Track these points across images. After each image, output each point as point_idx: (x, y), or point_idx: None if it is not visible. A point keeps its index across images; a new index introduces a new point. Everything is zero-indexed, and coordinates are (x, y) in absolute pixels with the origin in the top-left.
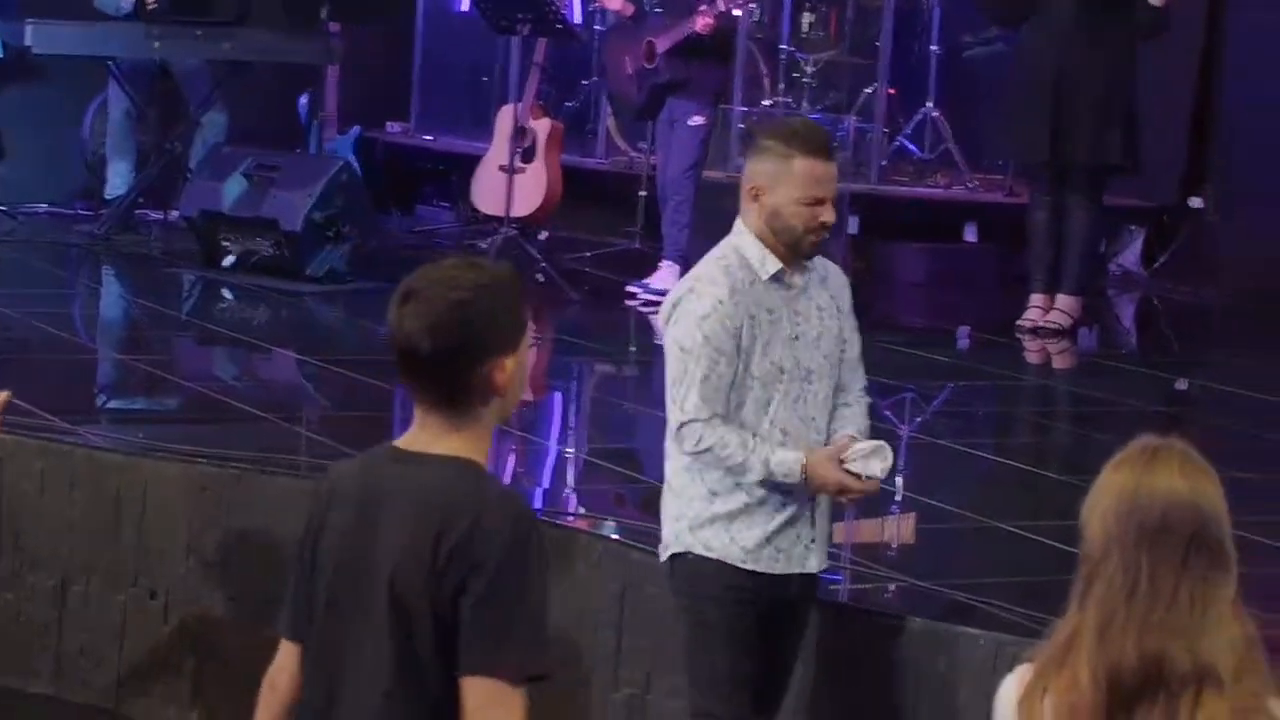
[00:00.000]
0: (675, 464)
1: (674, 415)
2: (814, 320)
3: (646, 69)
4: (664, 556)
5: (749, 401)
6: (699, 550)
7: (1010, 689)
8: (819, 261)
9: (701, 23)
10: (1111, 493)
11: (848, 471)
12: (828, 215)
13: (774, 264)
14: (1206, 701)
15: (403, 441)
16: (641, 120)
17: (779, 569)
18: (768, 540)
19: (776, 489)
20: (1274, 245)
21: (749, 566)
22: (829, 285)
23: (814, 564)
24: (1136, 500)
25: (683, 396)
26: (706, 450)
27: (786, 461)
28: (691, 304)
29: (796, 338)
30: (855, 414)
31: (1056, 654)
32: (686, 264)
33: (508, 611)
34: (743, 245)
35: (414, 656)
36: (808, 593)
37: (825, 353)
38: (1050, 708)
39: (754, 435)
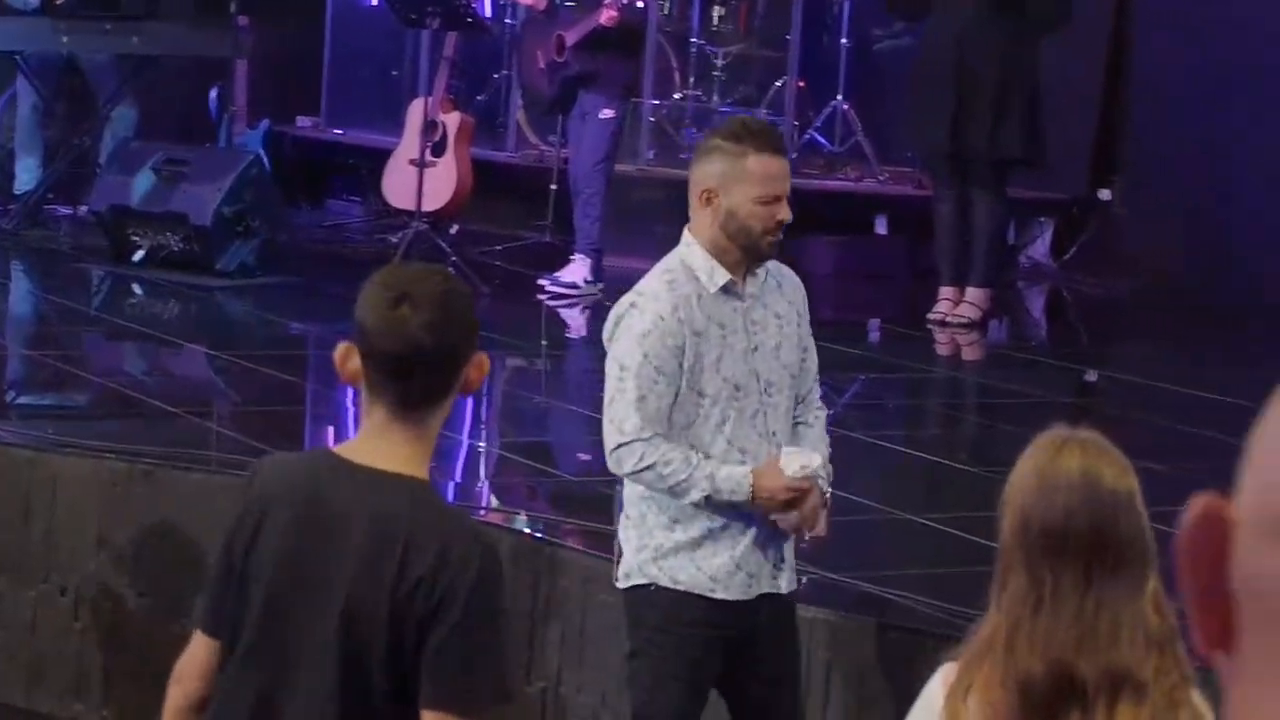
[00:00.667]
0: (631, 491)
1: (611, 437)
2: (772, 329)
3: (556, 62)
4: (623, 585)
5: (700, 420)
6: (664, 582)
7: (936, 687)
8: (772, 266)
9: (606, 15)
10: (1018, 488)
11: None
12: (784, 213)
13: (722, 275)
14: (1123, 710)
15: (350, 450)
16: (553, 114)
17: (751, 594)
18: (737, 566)
19: (737, 511)
20: (1181, 236)
21: (720, 595)
22: (785, 291)
23: (784, 584)
24: (1041, 495)
25: (621, 417)
26: (648, 468)
27: (734, 477)
28: (633, 320)
29: (755, 349)
30: (815, 434)
31: (978, 652)
32: (599, 257)
33: (477, 647)
34: (689, 257)
35: (364, 682)
36: (783, 615)
37: (785, 362)
38: (974, 706)
39: (702, 454)
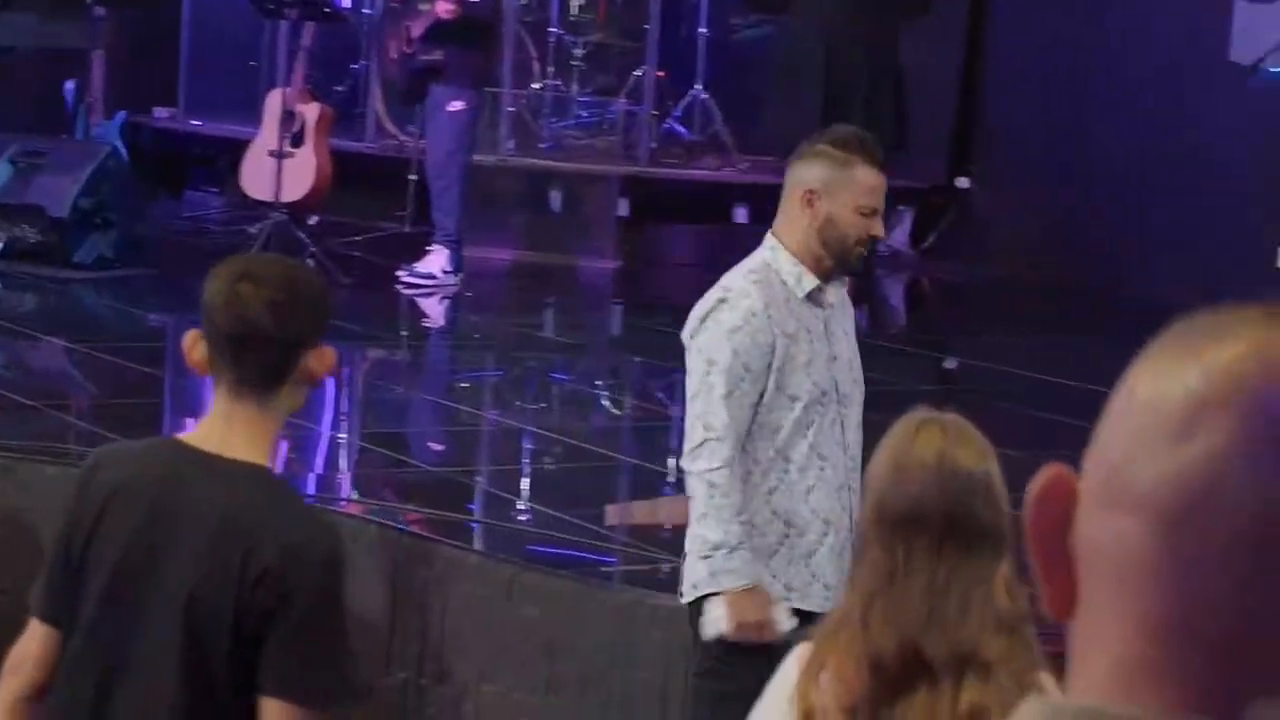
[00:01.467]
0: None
1: (697, 431)
2: (844, 342)
3: (406, 53)
4: (689, 599)
5: (787, 424)
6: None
7: (790, 667)
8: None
9: (442, 7)
10: (875, 471)
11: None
12: (878, 228)
13: (810, 281)
14: (969, 688)
15: (193, 437)
16: (408, 104)
17: (829, 607)
18: (814, 576)
19: (815, 515)
20: (1040, 224)
21: (796, 605)
22: (845, 308)
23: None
24: (897, 476)
25: (708, 412)
26: (716, 475)
27: (742, 569)
28: (723, 315)
29: (835, 358)
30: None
31: (830, 631)
32: (458, 248)
33: (320, 638)
34: (776, 260)
35: (206, 672)
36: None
37: (855, 377)
38: (827, 685)
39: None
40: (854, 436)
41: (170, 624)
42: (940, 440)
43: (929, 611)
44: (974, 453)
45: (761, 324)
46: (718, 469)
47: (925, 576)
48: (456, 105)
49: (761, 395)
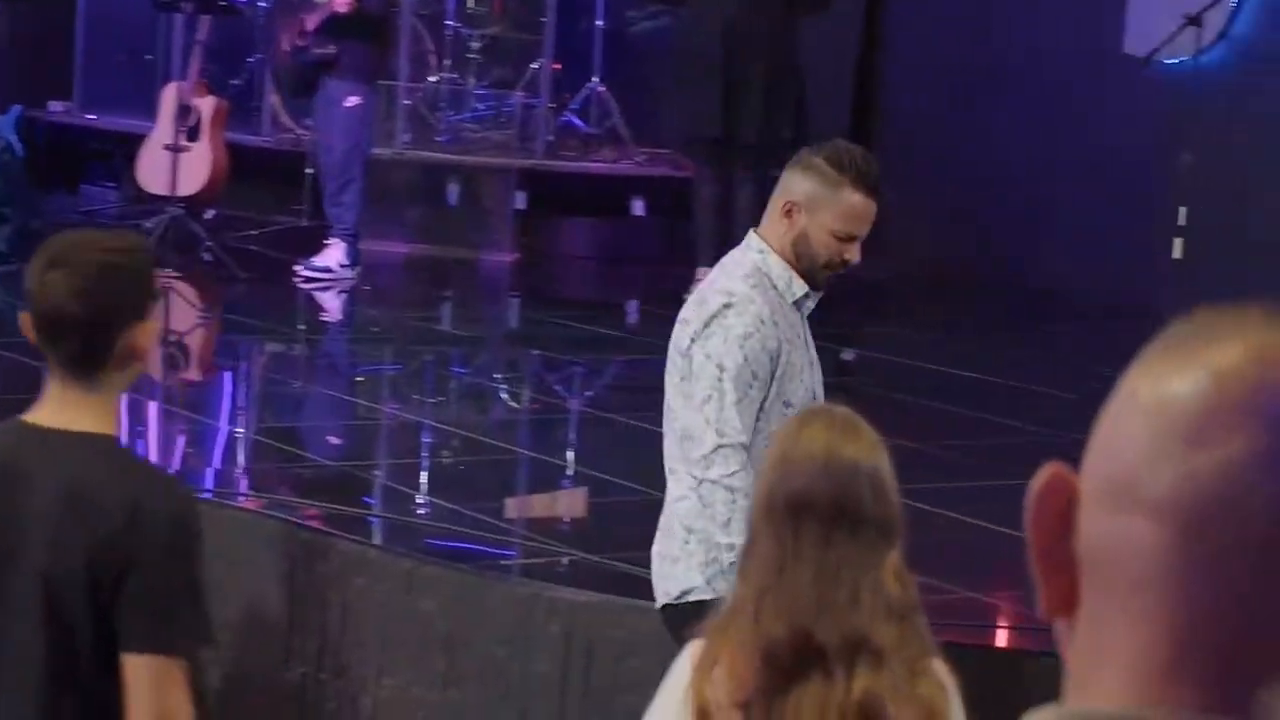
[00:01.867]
0: (696, 501)
1: (710, 438)
2: (812, 348)
3: (299, 47)
4: (677, 601)
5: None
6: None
7: (684, 663)
8: None
9: (339, 1)
10: (767, 462)
11: None
12: (853, 254)
13: (800, 287)
14: (861, 675)
15: (35, 415)
16: (297, 97)
17: None
18: None
19: None
20: (936, 217)
21: None
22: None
23: None
24: (784, 468)
25: (722, 419)
26: (732, 480)
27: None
28: (731, 320)
29: (812, 364)
30: None
31: (722, 625)
32: (355, 242)
33: (174, 592)
34: (768, 265)
35: (69, 640)
36: None
37: (820, 383)
38: (720, 679)
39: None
40: None
41: (29, 595)
42: (826, 432)
43: (819, 599)
44: (862, 444)
45: (769, 330)
46: (735, 473)
47: (814, 565)
48: (352, 100)
49: (763, 402)
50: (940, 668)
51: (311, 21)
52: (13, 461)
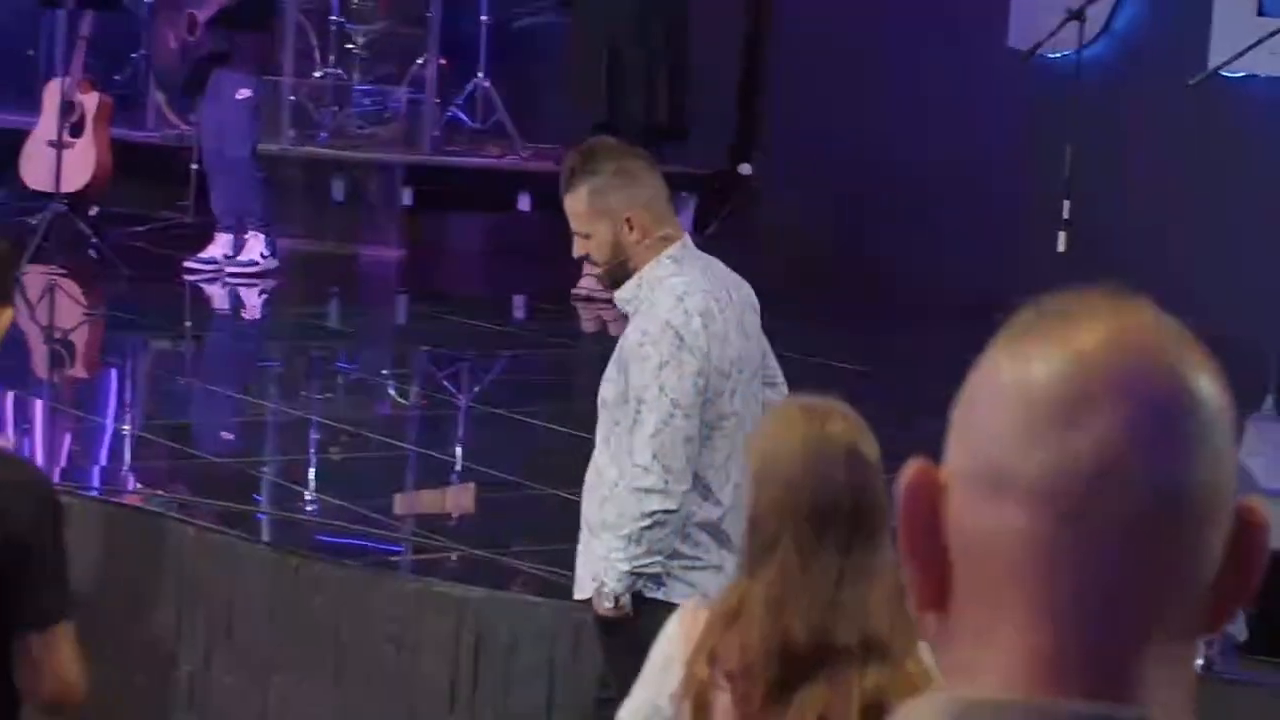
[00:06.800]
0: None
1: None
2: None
3: (189, 41)
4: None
5: None
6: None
7: (674, 629)
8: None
9: None
10: (782, 458)
11: None
12: (576, 248)
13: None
14: (871, 673)
15: None
16: (188, 95)
17: None
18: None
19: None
20: (821, 211)
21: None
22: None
23: None
24: (811, 468)
25: None
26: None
27: None
28: None
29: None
30: None
31: (724, 617)
32: (270, 230)
33: (50, 568)
34: None
35: None
36: None
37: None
38: (719, 669)
39: None
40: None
41: None
42: (846, 428)
43: (840, 601)
44: (870, 437)
45: None
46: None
47: (835, 572)
48: (244, 93)
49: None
50: (925, 649)
51: (204, 14)
52: None
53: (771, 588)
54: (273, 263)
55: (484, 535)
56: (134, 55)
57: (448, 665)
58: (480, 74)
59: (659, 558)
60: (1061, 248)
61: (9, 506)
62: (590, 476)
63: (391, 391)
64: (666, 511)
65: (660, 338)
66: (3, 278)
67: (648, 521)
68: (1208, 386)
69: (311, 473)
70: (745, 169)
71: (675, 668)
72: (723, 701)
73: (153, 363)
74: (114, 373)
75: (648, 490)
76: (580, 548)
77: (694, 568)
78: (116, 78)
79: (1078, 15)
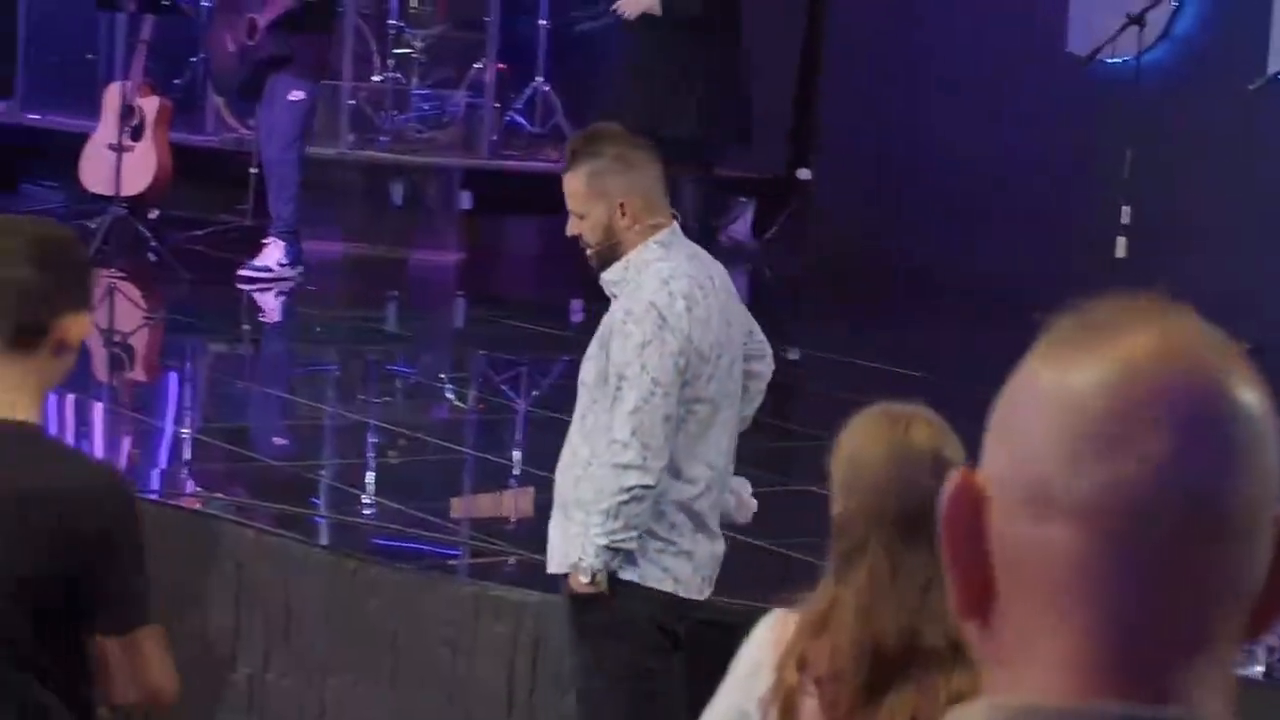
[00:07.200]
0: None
1: None
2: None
3: (248, 45)
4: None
5: None
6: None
7: (763, 635)
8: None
9: None
10: (868, 464)
11: None
12: (569, 227)
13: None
14: (958, 675)
15: None
16: (245, 99)
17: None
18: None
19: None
20: (879, 215)
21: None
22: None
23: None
24: (899, 474)
25: None
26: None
27: None
28: None
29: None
30: None
31: (814, 622)
32: (295, 240)
33: (129, 573)
34: None
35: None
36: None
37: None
38: (808, 674)
39: None
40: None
41: None
42: (930, 434)
43: (927, 604)
44: (954, 443)
45: None
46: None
47: (923, 576)
48: (297, 95)
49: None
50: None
51: (264, 18)
52: None
53: (861, 593)
54: (289, 272)
55: (541, 539)
56: (194, 59)
57: (504, 669)
58: (539, 78)
59: (635, 533)
60: (1121, 253)
61: (86, 511)
62: (565, 455)
63: (449, 395)
64: (644, 487)
65: (644, 317)
66: (83, 281)
67: (625, 496)
68: (1252, 399)
69: (369, 476)
70: (804, 174)
71: (763, 674)
72: (810, 706)
73: (211, 366)
74: (173, 376)
75: (626, 465)
76: (551, 525)
77: (667, 551)
78: (176, 81)
79: (1137, 20)
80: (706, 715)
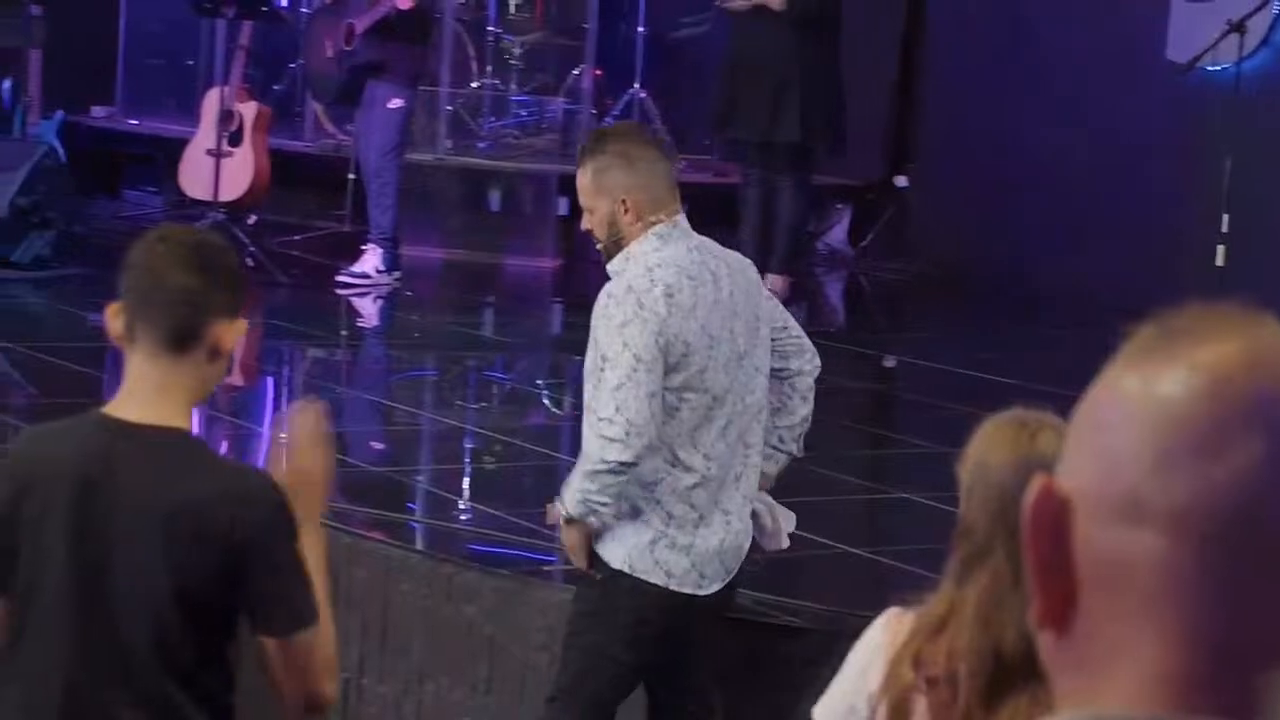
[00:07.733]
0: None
1: None
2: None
3: (345, 51)
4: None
5: None
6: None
7: (877, 633)
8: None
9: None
10: (995, 468)
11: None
12: (583, 221)
13: None
14: None
15: (115, 407)
16: (342, 104)
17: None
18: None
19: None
20: (975, 222)
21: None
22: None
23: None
24: (1022, 481)
25: None
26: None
27: None
28: None
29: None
30: None
31: (931, 624)
32: (393, 247)
33: (285, 576)
34: None
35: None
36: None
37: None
38: (922, 674)
39: None
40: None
41: (132, 603)
42: (1057, 442)
43: None
44: None
45: None
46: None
47: None
48: (396, 102)
49: None
50: None
51: (362, 25)
52: (99, 464)
53: (984, 596)
54: (387, 279)
55: None
56: (292, 65)
57: None
58: (636, 84)
59: (609, 501)
60: (1220, 262)
61: (240, 515)
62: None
63: (546, 401)
64: (622, 463)
65: (624, 299)
66: (237, 289)
67: (604, 467)
68: None
69: (465, 481)
70: (901, 181)
71: (873, 672)
72: (921, 706)
73: (308, 371)
74: (270, 380)
75: (609, 439)
76: None
77: (660, 543)
78: (275, 87)
79: (1238, 27)
80: (818, 709)
